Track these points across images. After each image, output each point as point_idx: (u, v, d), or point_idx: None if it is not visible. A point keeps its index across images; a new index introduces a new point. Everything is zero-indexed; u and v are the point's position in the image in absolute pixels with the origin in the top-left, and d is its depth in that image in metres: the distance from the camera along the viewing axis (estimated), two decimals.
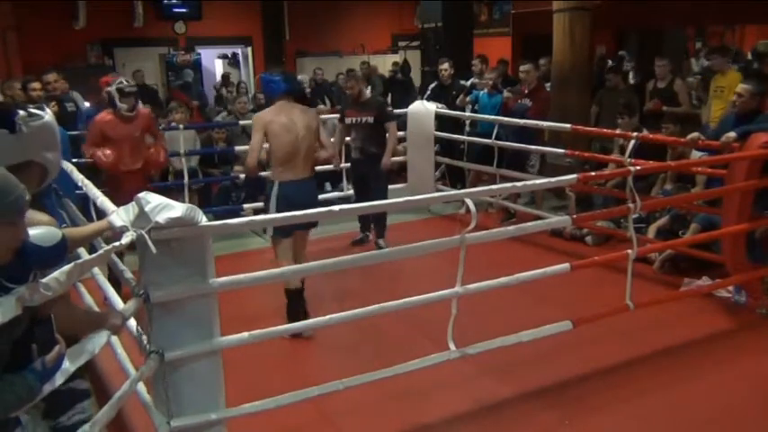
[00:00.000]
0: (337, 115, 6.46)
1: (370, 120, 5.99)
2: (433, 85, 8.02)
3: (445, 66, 7.79)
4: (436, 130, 7.33)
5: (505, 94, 7.16)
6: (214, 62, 14.43)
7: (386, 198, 5.80)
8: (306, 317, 4.28)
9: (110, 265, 3.41)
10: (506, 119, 6.70)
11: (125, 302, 2.75)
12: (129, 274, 3.08)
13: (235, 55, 14.50)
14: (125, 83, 5.13)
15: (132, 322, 2.82)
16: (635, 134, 5.41)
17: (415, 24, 12.85)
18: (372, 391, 3.25)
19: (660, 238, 5.30)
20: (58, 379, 1.95)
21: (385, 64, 13.30)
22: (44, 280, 1.82)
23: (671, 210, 5.53)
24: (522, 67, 7.12)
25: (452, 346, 3.33)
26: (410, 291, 3.32)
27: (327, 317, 3.10)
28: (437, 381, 3.57)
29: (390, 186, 6.42)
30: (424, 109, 7.30)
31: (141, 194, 2.54)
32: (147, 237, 2.43)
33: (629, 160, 5.11)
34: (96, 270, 3.64)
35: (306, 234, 4.60)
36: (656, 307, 4.19)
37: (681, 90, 7.12)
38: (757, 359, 3.94)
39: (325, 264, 3.16)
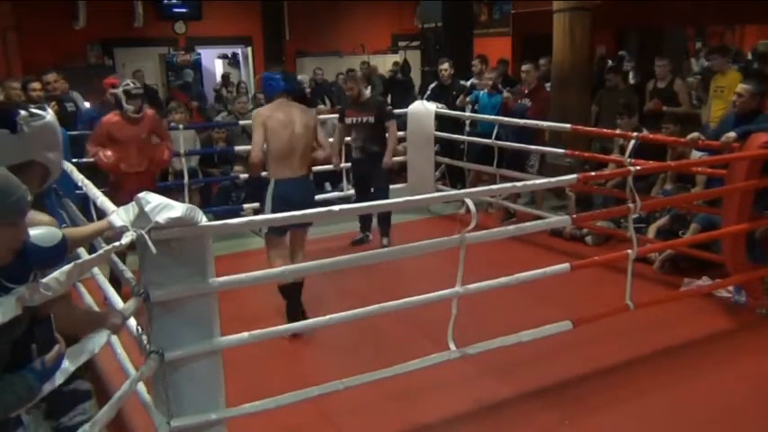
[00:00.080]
0: (337, 115, 6.46)
1: (371, 119, 6.00)
2: (433, 85, 8.02)
3: (445, 66, 7.79)
4: (436, 130, 7.34)
5: (505, 94, 7.16)
6: (214, 62, 14.43)
7: (387, 197, 5.81)
8: (304, 317, 4.28)
9: (110, 265, 3.41)
10: (506, 119, 6.70)
11: (125, 302, 2.75)
12: (129, 274, 3.08)
13: (235, 55, 14.50)
14: (131, 85, 5.18)
15: (132, 322, 2.82)
16: (635, 134, 5.41)
17: (415, 24, 12.86)
18: (372, 391, 3.25)
19: (660, 238, 5.30)
20: (58, 378, 1.95)
21: (385, 64, 13.30)
22: (44, 280, 1.82)
23: (671, 210, 5.53)
24: (522, 67, 7.13)
25: (452, 346, 3.33)
26: (410, 291, 3.32)
27: (327, 317, 3.10)
28: (437, 381, 3.57)
29: (390, 186, 6.42)
30: (424, 109, 7.30)
31: (141, 194, 2.55)
32: (147, 237, 2.43)
33: (629, 160, 5.11)
34: (96, 270, 3.64)
35: (303, 233, 4.60)
36: (656, 307, 4.19)
37: (681, 90, 7.12)
38: (757, 359, 3.94)
39: (325, 263, 3.16)
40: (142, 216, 2.48)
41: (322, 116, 7.97)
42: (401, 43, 14.25)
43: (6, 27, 10.40)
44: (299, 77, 10.39)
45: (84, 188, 3.92)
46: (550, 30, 7.59)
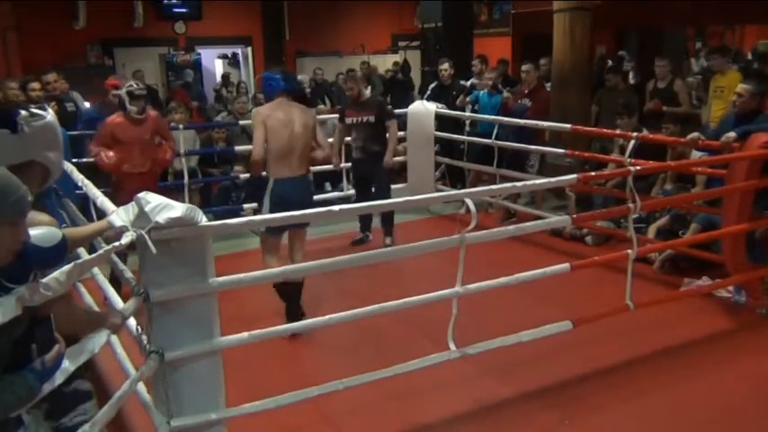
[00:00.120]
0: (337, 115, 6.47)
1: (371, 119, 6.00)
2: (433, 85, 8.02)
3: (445, 66, 7.79)
4: (436, 130, 7.34)
5: (505, 94, 7.17)
6: (214, 62, 14.44)
7: (390, 197, 5.82)
8: (303, 317, 4.28)
9: (110, 265, 3.41)
10: (506, 119, 6.70)
11: (125, 302, 2.75)
12: (129, 274, 3.08)
13: (235, 55, 14.50)
14: (135, 86, 5.21)
15: (132, 322, 2.82)
16: (635, 134, 5.41)
17: (415, 24, 12.86)
18: (372, 391, 3.25)
19: (660, 238, 5.30)
20: (58, 378, 1.95)
21: (385, 64, 13.30)
22: (44, 280, 1.82)
23: (671, 210, 5.53)
24: (522, 67, 7.13)
25: (452, 346, 3.33)
26: (410, 291, 3.32)
27: (327, 317, 3.10)
28: (437, 381, 3.57)
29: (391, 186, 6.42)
30: (424, 109, 7.30)
31: (141, 194, 2.55)
32: (146, 237, 2.43)
33: (629, 160, 5.11)
34: (96, 270, 3.64)
35: (301, 232, 4.59)
36: (656, 307, 4.19)
37: (681, 90, 7.12)
38: (757, 359, 3.94)
39: (325, 263, 3.16)
40: (142, 216, 2.49)
41: (322, 116, 7.96)
42: (401, 43, 14.26)
43: (6, 27, 10.40)
44: (299, 77, 10.39)
45: (84, 188, 3.93)
46: (550, 30, 7.59)
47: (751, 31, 13.70)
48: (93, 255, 2.31)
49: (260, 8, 13.64)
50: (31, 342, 1.88)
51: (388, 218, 6.15)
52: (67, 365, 2.00)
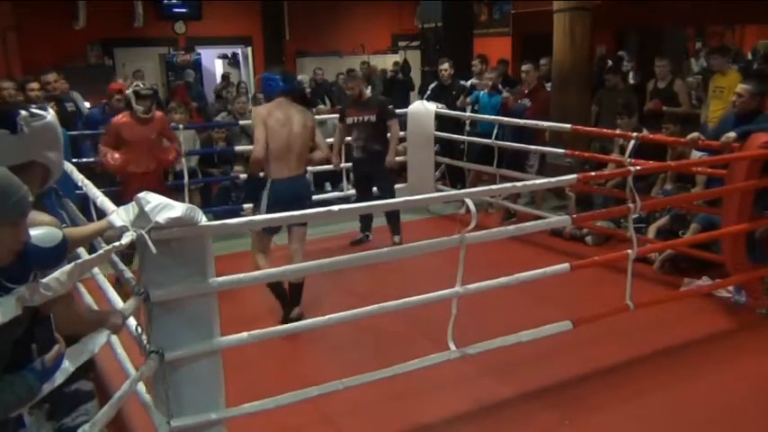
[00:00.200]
0: (337, 115, 6.46)
1: (372, 118, 5.99)
2: (433, 85, 8.02)
3: (445, 66, 7.79)
4: (436, 130, 7.34)
5: (505, 94, 7.17)
6: (214, 62, 14.44)
7: (394, 196, 5.82)
8: (302, 317, 4.29)
9: (111, 264, 3.40)
10: (506, 119, 6.70)
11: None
12: (129, 274, 3.08)
13: (235, 55, 14.50)
14: (141, 86, 5.27)
15: (132, 322, 2.82)
16: (635, 134, 5.41)
17: (415, 24, 12.86)
18: (372, 391, 3.25)
19: (660, 238, 5.30)
20: (58, 378, 1.95)
21: (385, 64, 13.30)
22: (44, 280, 1.82)
23: (671, 210, 5.52)
24: (522, 67, 7.13)
25: (452, 346, 3.33)
26: (410, 291, 3.32)
27: (327, 317, 3.09)
28: (437, 381, 3.57)
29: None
30: (424, 109, 7.30)
31: (141, 194, 2.55)
32: (147, 237, 2.44)
33: (629, 160, 5.11)
34: (96, 270, 3.64)
35: (299, 231, 4.57)
36: (656, 307, 4.19)
37: (681, 90, 7.12)
38: (757, 359, 3.94)
39: (325, 263, 3.16)
40: (142, 216, 2.49)
41: (322, 116, 7.96)
42: (401, 43, 14.26)
43: (6, 27, 10.41)
44: (300, 77, 10.40)
45: (84, 188, 3.93)
46: (550, 30, 7.59)
47: (751, 31, 13.70)
48: (94, 255, 2.31)
49: (260, 8, 13.64)
50: (31, 342, 1.88)
51: (394, 216, 6.14)
52: (67, 365, 2.00)
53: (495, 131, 6.77)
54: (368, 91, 6.38)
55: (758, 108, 4.74)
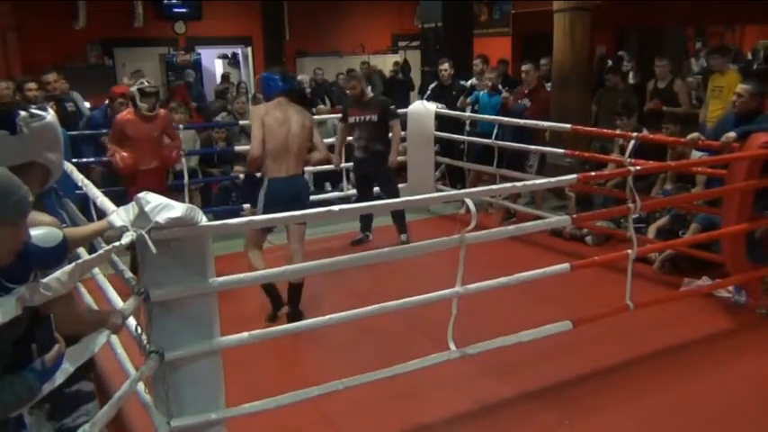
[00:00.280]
0: (337, 115, 6.46)
1: (374, 118, 5.99)
2: (433, 85, 8.02)
3: (445, 66, 7.79)
4: (436, 130, 7.34)
5: (504, 93, 7.17)
6: (214, 62, 14.43)
7: (398, 195, 5.82)
8: (302, 316, 4.30)
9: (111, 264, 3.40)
10: (506, 119, 6.70)
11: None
12: (129, 274, 3.08)
13: (235, 55, 14.50)
14: (146, 83, 5.31)
15: (132, 322, 2.82)
16: (635, 134, 5.41)
17: (415, 24, 12.85)
18: (372, 391, 3.25)
19: (660, 238, 5.30)
20: (58, 378, 1.95)
21: (385, 64, 13.30)
22: (45, 280, 1.82)
23: (671, 210, 5.52)
24: (522, 67, 7.13)
25: (452, 346, 3.33)
26: (410, 290, 3.32)
27: (327, 317, 3.09)
28: (437, 381, 3.57)
29: None
30: (424, 109, 7.30)
31: (141, 194, 2.55)
32: (147, 237, 2.44)
33: (629, 160, 5.11)
34: (96, 270, 3.64)
35: (298, 230, 4.55)
36: (656, 307, 4.19)
37: (681, 90, 7.12)
38: (757, 359, 3.94)
39: (325, 263, 3.16)
40: (142, 216, 2.49)
41: (322, 116, 7.97)
42: (401, 43, 14.25)
43: (6, 27, 10.40)
44: (300, 77, 10.40)
45: (84, 188, 3.93)
46: (550, 30, 7.59)
47: (751, 31, 13.71)
48: (94, 255, 2.31)
49: (260, 8, 13.64)
50: (31, 342, 1.88)
51: (399, 215, 6.12)
52: (67, 366, 2.00)
53: (495, 131, 6.77)
54: (369, 91, 6.37)
55: (758, 108, 4.74)
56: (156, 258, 2.49)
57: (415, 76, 11.97)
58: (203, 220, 2.60)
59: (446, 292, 3.34)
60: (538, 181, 4.24)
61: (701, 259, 4.99)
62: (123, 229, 2.49)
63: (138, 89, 5.24)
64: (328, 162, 5.84)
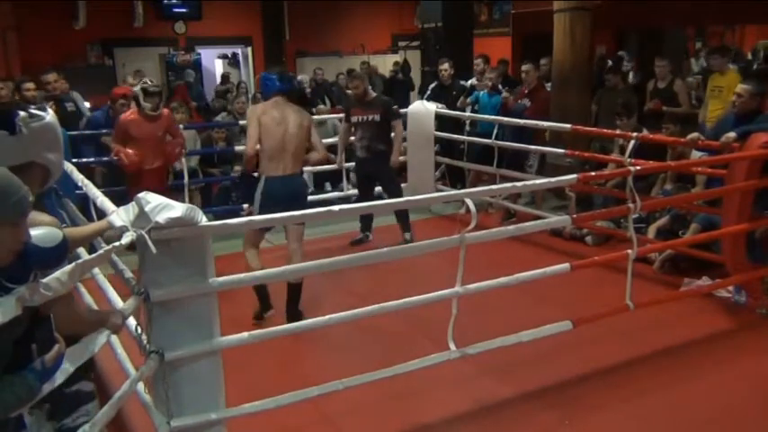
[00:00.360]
0: (338, 115, 6.46)
1: (377, 118, 5.99)
2: (433, 85, 8.01)
3: (445, 66, 7.79)
4: (436, 130, 7.34)
5: (504, 93, 7.17)
6: (214, 62, 14.44)
7: (401, 194, 5.81)
8: (301, 316, 4.30)
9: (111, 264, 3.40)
10: (506, 119, 6.70)
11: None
12: (129, 274, 3.08)
13: (235, 55, 14.50)
14: (149, 83, 5.32)
15: (132, 322, 2.82)
16: (635, 134, 5.41)
17: (415, 24, 12.86)
18: (372, 391, 3.25)
19: (660, 238, 5.30)
20: (58, 378, 1.95)
21: (385, 64, 13.30)
22: (45, 280, 1.82)
23: (671, 210, 5.52)
24: (522, 67, 7.13)
25: (452, 346, 3.33)
26: (410, 290, 3.32)
27: (327, 317, 3.09)
28: (437, 381, 3.57)
29: None
30: (424, 109, 7.30)
31: (141, 194, 2.55)
32: (147, 237, 2.43)
33: (629, 160, 5.11)
34: (96, 270, 3.64)
35: (297, 230, 4.55)
36: (656, 307, 4.19)
37: (681, 90, 7.13)
38: (757, 359, 3.94)
39: (324, 263, 3.16)
40: (142, 216, 2.49)
41: (322, 116, 7.96)
42: (401, 43, 14.26)
43: (6, 27, 10.41)
44: (300, 77, 10.40)
45: (84, 188, 3.93)
46: (550, 30, 7.59)
47: (751, 31, 13.71)
48: (94, 255, 2.31)
49: (260, 8, 13.65)
50: (31, 342, 1.88)
51: (403, 214, 6.11)
52: (67, 366, 2.00)
53: (494, 131, 6.77)
54: (371, 90, 6.37)
55: (758, 108, 4.74)
56: (156, 258, 2.49)
57: (415, 76, 11.97)
58: (203, 220, 2.60)
59: (446, 292, 3.34)
60: (538, 181, 4.24)
61: (701, 259, 4.99)
62: (123, 229, 2.49)
63: (142, 88, 5.25)
64: (327, 162, 5.83)
